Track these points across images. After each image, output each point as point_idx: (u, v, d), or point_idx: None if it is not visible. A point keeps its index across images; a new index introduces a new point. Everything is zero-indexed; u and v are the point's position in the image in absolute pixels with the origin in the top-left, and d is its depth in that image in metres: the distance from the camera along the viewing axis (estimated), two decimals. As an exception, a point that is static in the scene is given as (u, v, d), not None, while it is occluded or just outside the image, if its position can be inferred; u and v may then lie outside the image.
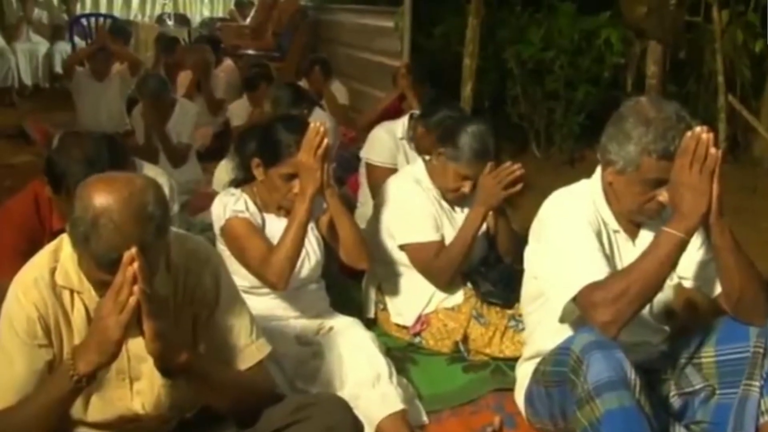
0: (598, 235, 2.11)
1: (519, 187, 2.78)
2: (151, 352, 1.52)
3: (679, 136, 1.92)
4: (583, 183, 2.24)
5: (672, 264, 1.95)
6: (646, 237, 2.14)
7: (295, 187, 2.48)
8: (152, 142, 4.64)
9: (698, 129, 1.88)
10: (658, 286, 1.96)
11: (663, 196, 2.01)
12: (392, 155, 3.82)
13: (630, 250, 2.16)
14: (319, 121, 2.51)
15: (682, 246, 1.91)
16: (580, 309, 2.01)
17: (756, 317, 2.02)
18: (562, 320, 2.08)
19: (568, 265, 2.04)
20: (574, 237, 2.08)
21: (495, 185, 2.77)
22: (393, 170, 3.58)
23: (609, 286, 1.94)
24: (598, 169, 2.19)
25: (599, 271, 2.00)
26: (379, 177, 3.60)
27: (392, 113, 4.65)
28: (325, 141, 2.42)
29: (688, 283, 2.22)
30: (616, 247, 2.18)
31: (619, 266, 2.12)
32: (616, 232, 2.18)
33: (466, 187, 2.88)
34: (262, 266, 2.42)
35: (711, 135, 1.87)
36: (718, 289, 2.11)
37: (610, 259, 2.10)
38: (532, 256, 2.27)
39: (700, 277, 2.18)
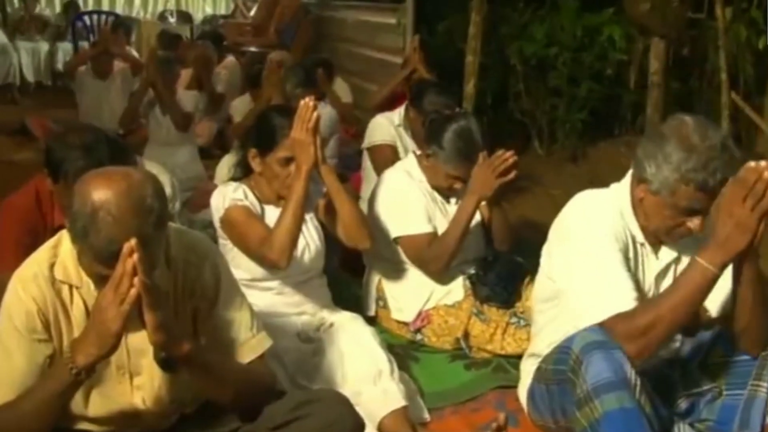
0: (625, 248, 2.05)
1: (512, 175, 2.73)
2: (153, 343, 1.52)
3: (721, 168, 1.85)
4: (612, 190, 2.15)
5: (702, 297, 1.87)
6: (668, 251, 2.12)
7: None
8: (136, 106, 4.89)
9: (763, 164, 1.73)
10: (687, 320, 1.91)
11: (693, 223, 1.96)
12: (392, 136, 3.89)
13: (653, 262, 2.13)
14: (308, 98, 2.48)
15: (714, 280, 1.83)
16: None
17: (753, 349, 2.00)
18: None
19: (596, 287, 1.98)
20: (602, 253, 2.01)
21: (489, 174, 2.73)
22: (395, 148, 3.80)
23: (637, 319, 1.88)
24: (628, 177, 2.10)
25: (628, 296, 1.95)
26: (383, 155, 3.76)
27: (398, 95, 4.70)
28: (316, 114, 2.42)
29: None
30: (641, 259, 2.12)
31: (642, 279, 2.09)
32: (642, 245, 2.11)
33: (458, 185, 2.87)
34: (262, 246, 2.41)
35: None
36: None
37: (634, 273, 2.05)
38: (551, 258, 2.21)
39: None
